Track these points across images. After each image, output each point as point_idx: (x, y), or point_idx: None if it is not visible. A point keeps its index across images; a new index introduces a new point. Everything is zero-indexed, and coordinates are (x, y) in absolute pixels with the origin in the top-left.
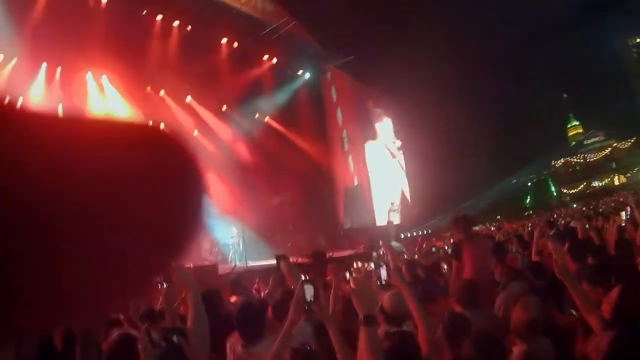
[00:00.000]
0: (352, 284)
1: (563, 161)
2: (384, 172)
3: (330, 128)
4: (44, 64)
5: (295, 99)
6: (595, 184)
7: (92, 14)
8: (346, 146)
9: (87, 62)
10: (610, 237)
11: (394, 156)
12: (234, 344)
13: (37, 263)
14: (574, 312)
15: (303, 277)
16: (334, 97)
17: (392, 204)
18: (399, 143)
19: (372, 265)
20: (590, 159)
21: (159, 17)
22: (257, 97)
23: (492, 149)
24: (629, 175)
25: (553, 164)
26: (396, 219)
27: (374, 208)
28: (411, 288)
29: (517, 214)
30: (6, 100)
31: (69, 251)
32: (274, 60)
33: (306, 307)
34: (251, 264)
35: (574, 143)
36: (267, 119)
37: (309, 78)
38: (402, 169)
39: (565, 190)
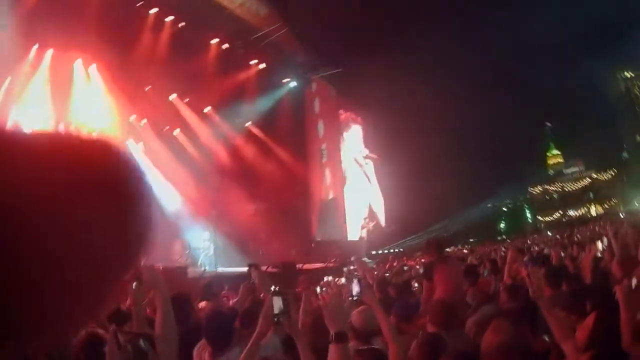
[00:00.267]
0: (323, 299)
1: (540, 189)
2: (358, 187)
3: (310, 140)
4: (36, 45)
5: (278, 108)
6: (572, 213)
7: (89, 0)
8: (324, 159)
9: (78, 49)
10: (585, 265)
11: (360, 166)
12: (201, 352)
13: None
14: (546, 337)
15: (273, 288)
16: (317, 109)
17: (364, 219)
18: (365, 152)
19: (343, 280)
20: (568, 188)
21: (154, 10)
22: (241, 102)
23: (470, 171)
24: (606, 206)
25: (530, 190)
26: (366, 235)
27: (346, 222)
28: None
29: (490, 238)
30: None
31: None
32: (262, 66)
33: (275, 320)
34: (221, 269)
35: (552, 172)
36: (248, 124)
37: (294, 87)
38: (369, 181)
39: (540, 218)
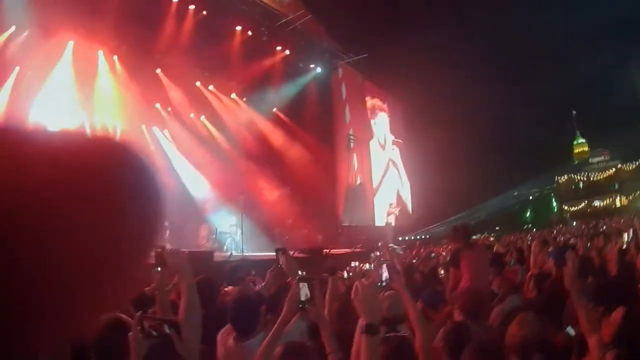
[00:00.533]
0: (356, 288)
1: (566, 178)
2: (385, 173)
3: (337, 125)
4: (57, 39)
5: (304, 94)
6: (597, 203)
7: None
8: (352, 145)
9: (99, 40)
10: (611, 257)
11: (387, 151)
12: (225, 336)
13: None
14: (569, 330)
15: (300, 273)
16: (344, 94)
17: (390, 205)
18: (392, 137)
19: (367, 265)
20: (594, 177)
21: None
22: (266, 88)
23: (497, 160)
24: (630, 197)
25: (556, 179)
26: (393, 221)
27: (374, 208)
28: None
29: (516, 227)
30: None
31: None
32: (287, 52)
33: (300, 306)
34: (247, 254)
35: (577, 161)
36: (274, 110)
37: (319, 73)
38: (396, 167)
39: (566, 207)
